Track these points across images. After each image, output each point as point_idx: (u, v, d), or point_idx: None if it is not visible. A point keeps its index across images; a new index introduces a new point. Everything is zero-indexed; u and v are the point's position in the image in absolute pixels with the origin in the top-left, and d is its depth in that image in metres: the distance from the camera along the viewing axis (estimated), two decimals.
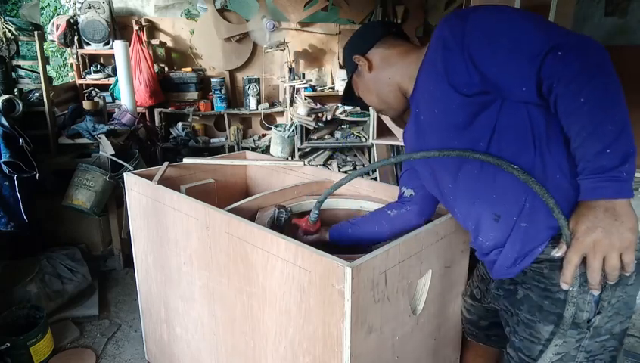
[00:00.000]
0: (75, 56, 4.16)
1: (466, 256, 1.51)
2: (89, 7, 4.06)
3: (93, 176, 2.75)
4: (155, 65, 4.47)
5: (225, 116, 4.79)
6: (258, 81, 4.84)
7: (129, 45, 3.93)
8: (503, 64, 0.95)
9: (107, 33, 4.11)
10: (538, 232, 1.05)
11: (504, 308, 1.24)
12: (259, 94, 4.86)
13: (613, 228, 0.88)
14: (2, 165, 2.39)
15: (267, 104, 4.91)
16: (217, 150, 4.69)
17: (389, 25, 1.32)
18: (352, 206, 1.75)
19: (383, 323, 1.17)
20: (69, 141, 2.93)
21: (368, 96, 1.33)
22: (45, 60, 2.91)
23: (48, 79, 2.94)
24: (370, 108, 4.72)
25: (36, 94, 3.03)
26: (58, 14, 5.34)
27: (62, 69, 5.87)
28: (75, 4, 4.13)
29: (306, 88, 4.71)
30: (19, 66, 3.01)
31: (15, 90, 2.93)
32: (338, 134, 4.85)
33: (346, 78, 1.41)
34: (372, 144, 3.79)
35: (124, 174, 1.91)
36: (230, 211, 1.46)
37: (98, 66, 4.35)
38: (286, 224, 1.56)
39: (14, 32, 2.81)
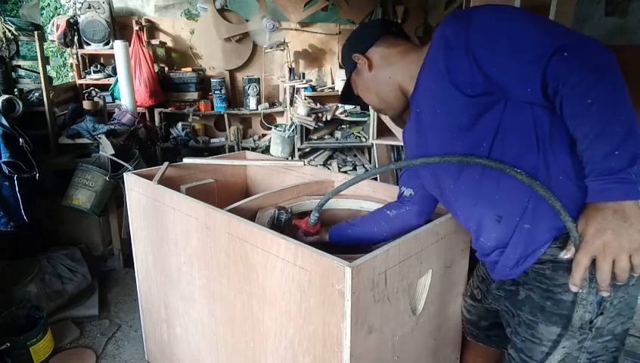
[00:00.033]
0: (75, 56, 4.17)
1: (466, 256, 1.51)
2: (89, 7, 4.07)
3: (93, 176, 2.75)
4: (155, 65, 4.47)
5: (225, 116, 4.79)
6: (258, 81, 4.84)
7: (129, 45, 3.93)
8: (503, 64, 0.94)
9: (107, 33, 4.11)
10: (541, 233, 1.04)
11: (506, 308, 1.23)
12: (259, 94, 4.87)
13: (623, 229, 0.88)
14: (2, 165, 2.39)
15: (267, 104, 4.91)
16: (217, 150, 4.69)
17: (389, 24, 1.32)
18: (353, 206, 1.75)
19: (383, 323, 1.17)
20: (69, 141, 2.93)
21: (367, 95, 1.32)
22: (45, 60, 2.91)
23: (48, 79, 2.94)
24: (370, 108, 4.73)
25: (36, 94, 3.03)
26: (58, 14, 5.34)
27: (62, 69, 5.87)
28: (75, 4, 4.13)
29: (306, 88, 4.71)
30: (19, 66, 3.01)
31: (15, 90, 2.93)
32: (338, 134, 4.85)
33: (345, 78, 1.40)
34: (372, 144, 3.78)
35: (124, 174, 1.91)
36: (230, 211, 1.46)
37: (98, 66, 4.35)
38: (286, 224, 1.56)
39: (14, 32, 2.81)
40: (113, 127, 2.99)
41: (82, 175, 2.75)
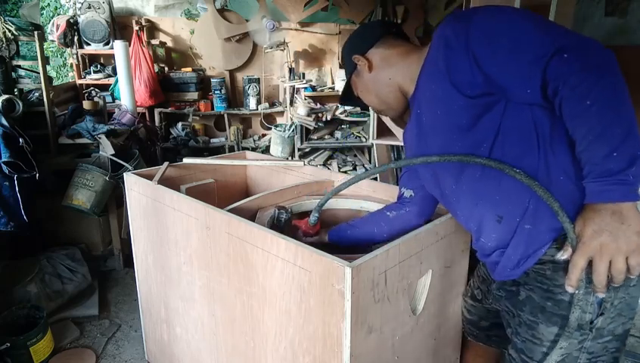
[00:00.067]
0: (75, 56, 4.17)
1: (466, 256, 1.51)
2: (89, 7, 4.07)
3: (93, 176, 2.75)
4: (155, 65, 4.47)
5: (225, 116, 4.79)
6: (258, 81, 4.84)
7: (129, 45, 3.93)
8: (503, 64, 0.94)
9: (107, 33, 4.11)
10: (541, 234, 1.04)
11: (506, 309, 1.23)
12: (259, 94, 4.87)
13: (620, 231, 0.88)
14: (2, 165, 2.39)
15: (267, 104, 4.91)
16: (217, 150, 4.69)
17: (389, 25, 1.31)
18: (352, 206, 1.75)
19: (383, 323, 1.17)
20: (69, 141, 2.93)
21: (367, 96, 1.32)
22: (45, 60, 2.91)
23: (48, 79, 2.94)
24: (370, 108, 4.72)
25: (36, 94, 3.03)
26: (58, 14, 5.34)
27: (62, 69, 5.88)
28: (75, 4, 4.13)
29: (306, 88, 4.71)
30: (19, 66, 3.01)
31: (15, 90, 2.93)
32: (338, 134, 4.85)
33: (345, 79, 1.40)
34: (372, 144, 3.78)
35: (124, 174, 1.91)
36: (230, 211, 1.46)
37: (98, 66, 4.35)
38: (286, 224, 1.56)
39: (14, 32, 2.81)
40: (113, 127, 2.99)
41: (82, 175, 2.75)
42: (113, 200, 2.99)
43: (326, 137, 4.87)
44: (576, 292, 0.97)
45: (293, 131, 4.58)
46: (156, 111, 4.53)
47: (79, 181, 2.74)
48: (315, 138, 4.80)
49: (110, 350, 2.33)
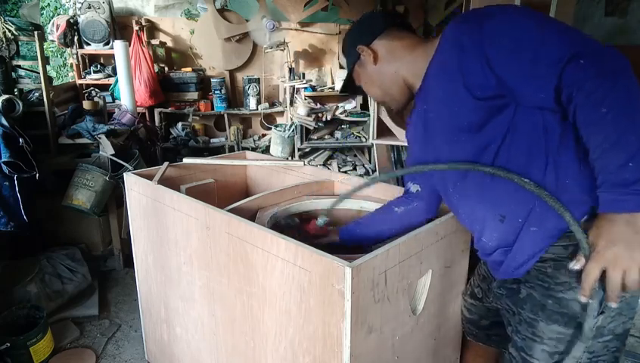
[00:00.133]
0: (75, 56, 4.17)
1: (466, 256, 1.51)
2: (89, 7, 4.07)
3: (93, 176, 2.75)
4: (155, 65, 4.47)
5: (225, 116, 4.79)
6: (258, 81, 4.84)
7: (129, 45, 3.93)
8: (517, 69, 0.94)
9: (107, 33, 4.11)
10: (547, 234, 1.05)
11: (507, 307, 1.24)
12: (259, 94, 4.87)
13: (635, 242, 0.87)
14: (2, 165, 2.39)
15: (267, 104, 4.91)
16: (217, 150, 4.69)
17: (394, 15, 1.30)
18: (353, 206, 1.75)
19: (383, 323, 1.17)
20: (69, 141, 2.93)
21: (370, 88, 1.31)
22: (45, 60, 2.91)
23: (48, 79, 2.94)
24: (369, 108, 4.73)
25: (36, 94, 3.03)
26: (58, 14, 5.35)
27: (62, 69, 5.88)
28: (75, 4, 4.13)
29: (306, 88, 4.71)
30: (19, 66, 3.01)
31: (15, 90, 2.93)
32: (338, 134, 4.85)
33: (347, 67, 1.39)
34: (372, 144, 3.78)
35: (124, 174, 1.91)
36: (230, 211, 1.46)
37: (98, 66, 4.35)
38: (295, 229, 1.57)
39: (14, 32, 2.81)
40: (113, 127, 2.99)
41: (82, 175, 2.75)
42: (113, 200, 2.99)
43: (326, 137, 4.87)
44: (590, 301, 0.96)
45: (293, 131, 4.58)
46: (156, 111, 4.53)
47: (79, 181, 2.74)
48: (315, 138, 4.80)
49: (110, 350, 2.33)
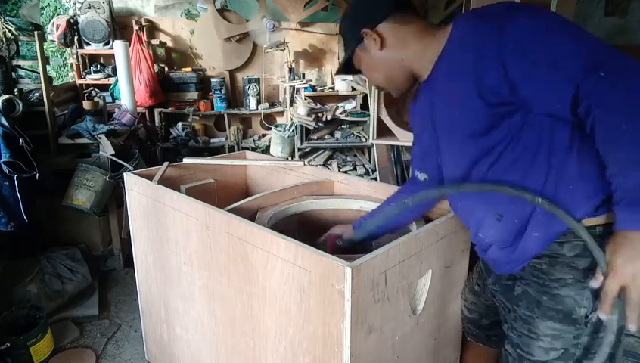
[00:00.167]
0: (75, 56, 4.17)
1: (466, 256, 1.50)
2: (89, 7, 4.07)
3: (93, 176, 2.75)
4: (155, 65, 4.47)
5: (225, 116, 4.79)
6: (258, 81, 4.84)
7: (129, 45, 3.93)
8: (535, 78, 0.92)
9: (107, 33, 4.11)
10: (548, 237, 1.05)
11: (502, 304, 1.25)
12: (259, 94, 4.86)
13: None
14: (2, 165, 2.39)
15: (267, 104, 4.91)
16: (217, 150, 4.69)
17: None
18: (352, 206, 1.75)
19: (383, 323, 1.17)
20: (69, 141, 2.93)
21: (372, 73, 1.24)
22: (45, 60, 2.91)
23: (48, 79, 2.94)
24: (369, 108, 4.73)
25: (36, 94, 3.04)
26: (58, 14, 5.34)
27: (62, 69, 5.88)
28: (75, 4, 4.13)
29: (306, 88, 4.70)
30: (19, 66, 3.01)
31: (15, 90, 2.94)
32: (338, 134, 4.85)
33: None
34: (372, 144, 3.78)
35: (124, 174, 1.91)
36: (230, 211, 1.46)
37: (98, 66, 4.35)
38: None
39: (14, 32, 2.81)
40: (113, 127, 2.99)
41: (82, 175, 2.75)
42: (113, 200, 2.99)
43: (326, 137, 4.87)
44: (612, 318, 0.93)
45: (293, 131, 4.58)
46: (156, 111, 4.53)
47: (79, 181, 2.74)
48: (315, 138, 4.80)
49: (110, 350, 2.33)
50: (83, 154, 2.98)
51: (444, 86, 1.09)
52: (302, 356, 1.20)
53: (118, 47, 3.43)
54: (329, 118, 4.74)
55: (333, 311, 1.07)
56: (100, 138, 2.83)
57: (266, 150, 4.80)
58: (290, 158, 4.65)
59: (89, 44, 4.17)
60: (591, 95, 0.87)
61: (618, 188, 0.88)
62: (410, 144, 1.77)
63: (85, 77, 4.25)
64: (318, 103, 4.82)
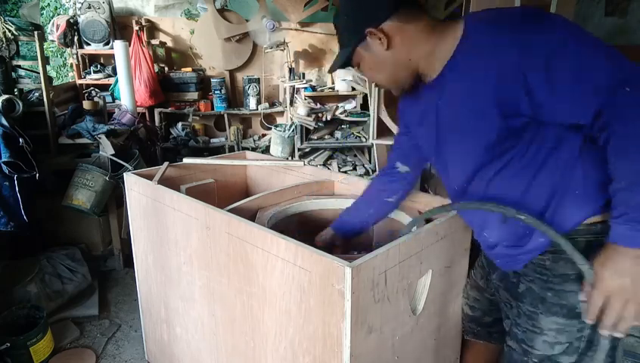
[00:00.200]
0: (75, 56, 4.17)
1: (466, 256, 1.50)
2: (89, 7, 4.07)
3: (93, 176, 2.75)
4: (155, 65, 4.47)
5: (225, 116, 4.79)
6: (258, 81, 4.84)
7: (129, 45, 3.93)
8: (565, 93, 0.90)
9: (107, 33, 4.11)
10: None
11: (505, 300, 1.26)
12: (259, 94, 4.86)
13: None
14: (2, 165, 2.39)
15: (267, 104, 4.91)
16: (217, 150, 4.69)
17: None
18: (344, 206, 1.75)
19: (383, 323, 1.17)
20: (69, 141, 2.93)
21: (375, 73, 1.17)
22: (45, 60, 2.91)
23: (48, 79, 2.94)
24: (369, 108, 4.73)
25: (36, 94, 3.03)
26: (58, 14, 5.34)
27: (62, 69, 5.87)
28: (75, 4, 4.13)
29: (306, 88, 4.70)
30: (19, 66, 3.01)
31: (15, 90, 2.93)
32: (338, 134, 4.85)
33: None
34: (372, 144, 3.78)
35: (124, 174, 1.91)
36: (230, 211, 1.46)
37: (98, 66, 4.35)
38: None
39: (14, 32, 2.81)
40: (113, 127, 2.99)
41: (82, 175, 2.75)
42: (113, 200, 2.99)
43: (326, 137, 4.87)
44: (602, 338, 1.00)
45: (293, 131, 4.58)
46: (156, 111, 4.53)
47: (79, 181, 2.74)
48: (315, 138, 4.80)
49: (110, 350, 2.33)
50: (83, 154, 2.98)
51: (458, 92, 1.05)
52: (302, 356, 1.20)
53: (118, 47, 3.43)
54: (329, 118, 4.75)
55: (333, 311, 1.07)
56: (100, 138, 2.83)
57: (266, 150, 4.80)
58: (290, 158, 4.65)
59: (89, 44, 4.17)
60: (614, 109, 0.86)
61: (621, 203, 0.89)
62: None
63: (85, 77, 4.25)
64: (318, 103, 4.82)
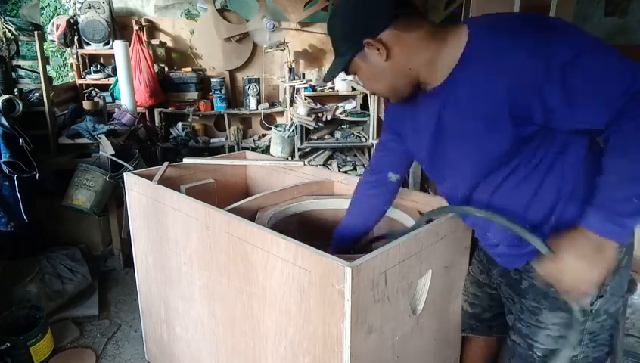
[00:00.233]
0: (75, 56, 4.16)
1: (466, 256, 1.50)
2: (89, 7, 4.06)
3: (93, 176, 2.75)
4: (155, 65, 4.47)
5: (225, 116, 4.79)
6: (258, 81, 4.84)
7: (129, 45, 3.93)
8: (579, 103, 0.90)
9: (107, 33, 4.11)
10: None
11: (507, 295, 1.28)
12: (259, 94, 4.86)
13: (597, 263, 0.93)
14: (2, 165, 2.39)
15: (267, 104, 4.91)
16: (217, 150, 4.69)
17: None
18: (342, 206, 1.75)
19: (383, 323, 1.17)
20: (69, 141, 2.93)
21: (373, 84, 1.14)
22: (45, 60, 2.91)
23: (48, 79, 2.94)
24: (369, 108, 4.74)
25: (36, 94, 3.03)
26: (58, 14, 5.34)
27: (62, 69, 5.87)
28: (75, 4, 4.13)
29: (306, 88, 4.70)
30: (19, 66, 3.01)
31: (15, 90, 2.93)
32: (338, 134, 4.85)
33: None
34: (372, 144, 3.79)
35: (124, 174, 1.91)
36: (230, 211, 1.46)
37: (98, 66, 4.35)
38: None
39: (14, 32, 2.81)
40: (113, 127, 2.99)
41: (82, 175, 2.75)
42: (113, 200, 2.99)
43: (326, 137, 4.87)
44: (575, 312, 1.07)
45: (293, 131, 4.58)
46: (156, 111, 4.53)
47: (79, 181, 2.74)
48: (315, 138, 4.80)
49: (110, 350, 2.33)
50: (83, 154, 2.98)
51: (466, 100, 1.02)
52: (302, 356, 1.20)
53: (118, 47, 3.43)
54: (329, 118, 4.74)
55: (333, 311, 1.07)
56: (100, 138, 2.83)
57: (266, 150, 4.80)
58: (290, 158, 4.65)
59: (89, 44, 4.17)
60: (625, 115, 0.87)
61: (606, 195, 0.91)
62: None
63: (85, 77, 4.25)
64: (318, 103, 4.82)
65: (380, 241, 1.54)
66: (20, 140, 2.49)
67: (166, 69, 4.73)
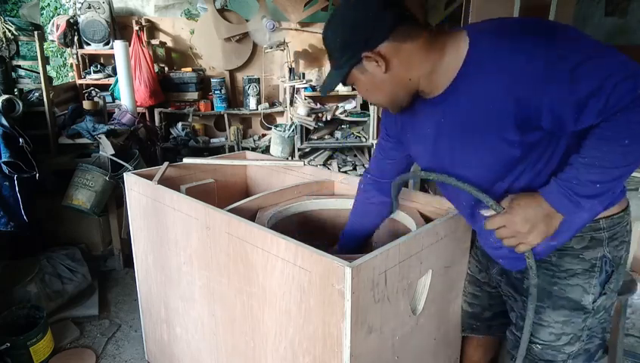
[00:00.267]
0: (75, 56, 4.17)
1: (466, 256, 1.50)
2: (89, 7, 4.06)
3: (93, 176, 2.75)
4: (155, 65, 4.47)
5: (225, 116, 4.79)
6: (258, 81, 4.84)
7: (129, 45, 3.93)
8: (583, 107, 0.89)
9: (107, 33, 4.11)
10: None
11: (508, 293, 1.29)
12: (259, 94, 4.86)
13: (539, 229, 0.98)
14: (2, 165, 2.39)
15: (267, 104, 4.91)
16: (217, 150, 4.69)
17: (399, 5, 1.02)
18: (343, 206, 1.75)
19: (383, 323, 1.17)
20: (69, 141, 2.93)
21: (371, 95, 1.13)
22: (45, 60, 2.91)
23: (48, 79, 2.94)
24: (369, 108, 4.73)
25: (36, 94, 3.03)
26: (58, 14, 5.34)
27: (62, 69, 5.87)
28: (75, 4, 4.13)
29: (306, 88, 4.70)
30: (19, 66, 3.01)
31: (15, 90, 2.93)
32: (338, 134, 4.85)
33: (337, 70, 1.27)
34: (372, 144, 3.79)
35: (124, 174, 1.91)
36: (230, 211, 1.46)
37: (98, 66, 4.35)
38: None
39: (14, 32, 2.81)
40: (113, 127, 2.99)
41: (82, 175, 2.75)
42: (113, 200, 2.99)
43: (326, 137, 4.87)
44: (528, 263, 1.07)
45: (293, 131, 4.58)
46: (156, 111, 4.53)
47: (79, 181, 2.74)
48: (315, 138, 4.80)
49: (110, 350, 2.33)
50: (83, 154, 2.98)
51: (471, 109, 1.01)
52: (302, 356, 1.20)
53: (118, 47, 3.43)
54: (329, 118, 4.75)
55: (333, 311, 1.07)
56: (100, 138, 2.83)
57: (266, 150, 4.80)
58: (290, 158, 4.65)
59: (89, 44, 4.17)
60: (620, 111, 0.87)
61: (572, 173, 0.94)
62: None
63: (85, 77, 4.25)
64: (318, 103, 4.82)
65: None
66: (20, 140, 2.49)
67: (166, 69, 4.73)
